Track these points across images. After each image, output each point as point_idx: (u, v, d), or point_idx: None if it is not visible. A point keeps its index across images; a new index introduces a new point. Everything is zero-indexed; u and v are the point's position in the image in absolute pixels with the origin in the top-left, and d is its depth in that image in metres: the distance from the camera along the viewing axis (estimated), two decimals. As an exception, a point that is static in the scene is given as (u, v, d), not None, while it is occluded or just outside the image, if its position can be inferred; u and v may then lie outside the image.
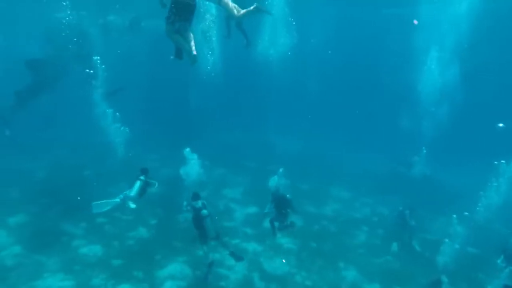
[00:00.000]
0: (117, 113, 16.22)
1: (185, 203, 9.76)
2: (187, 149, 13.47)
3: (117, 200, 10.72)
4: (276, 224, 10.60)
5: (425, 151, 17.69)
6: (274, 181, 11.04)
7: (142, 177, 10.81)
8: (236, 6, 9.32)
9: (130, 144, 16.77)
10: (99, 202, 10.69)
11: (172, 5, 6.38)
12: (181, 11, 6.39)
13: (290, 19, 18.75)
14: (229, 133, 23.89)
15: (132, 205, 10.56)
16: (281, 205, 10.27)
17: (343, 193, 17.53)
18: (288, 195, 10.27)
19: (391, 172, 18.76)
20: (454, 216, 11.84)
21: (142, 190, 10.75)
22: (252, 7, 9.10)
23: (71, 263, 10.53)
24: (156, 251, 11.45)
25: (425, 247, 13.05)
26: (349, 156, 21.71)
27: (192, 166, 14.70)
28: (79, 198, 13.35)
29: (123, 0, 20.60)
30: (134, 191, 10.61)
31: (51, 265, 10.38)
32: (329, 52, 27.66)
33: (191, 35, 6.76)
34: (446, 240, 11.59)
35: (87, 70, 17.09)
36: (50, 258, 10.61)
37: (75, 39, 18.17)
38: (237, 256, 10.44)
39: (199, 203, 9.51)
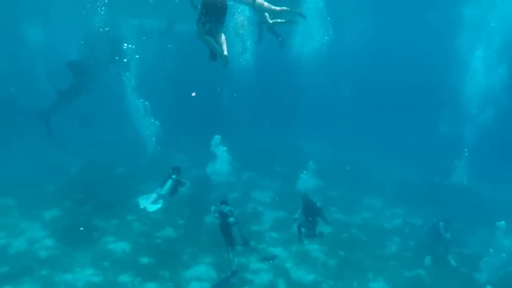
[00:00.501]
0: (154, 121, 16.68)
1: (213, 207, 9.66)
2: (217, 137, 13.45)
3: (155, 202, 10.69)
4: (303, 230, 10.34)
5: (464, 159, 16.76)
6: (303, 181, 10.77)
7: (174, 176, 10.76)
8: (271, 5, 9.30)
9: (161, 144, 17.14)
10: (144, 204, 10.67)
11: (203, 6, 6.29)
12: (211, 12, 6.30)
13: (325, 14, 18.03)
14: (259, 135, 23.79)
15: (150, 209, 10.58)
16: (310, 213, 9.99)
17: (374, 202, 16.98)
18: (318, 204, 9.93)
19: (426, 181, 18.02)
20: (499, 227, 11.11)
21: (174, 189, 10.71)
22: (285, 8, 9.04)
23: (100, 258, 10.74)
24: (182, 251, 11.49)
25: (461, 262, 12.34)
26: (381, 163, 21.08)
27: (221, 163, 14.83)
28: (111, 195, 13.71)
29: (158, 4, 21.01)
30: (165, 189, 10.58)
31: (81, 259, 10.63)
32: (356, 56, 26.87)
33: (223, 36, 6.67)
34: (488, 255, 10.90)
35: (121, 71, 17.62)
36: (81, 253, 10.87)
37: (111, 42, 18.75)
38: (269, 257, 10.27)
39: (227, 209, 9.40)
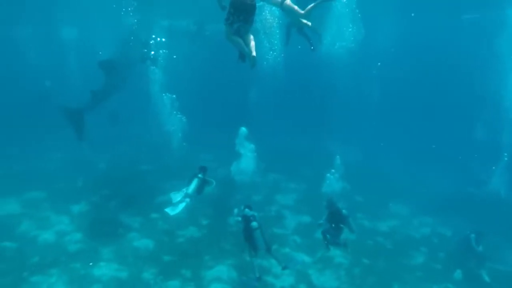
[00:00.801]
0: (181, 117, 16.85)
1: (236, 210, 9.66)
2: (243, 129, 13.37)
3: (181, 200, 10.82)
4: (328, 237, 10.08)
5: (502, 167, 15.88)
6: (329, 183, 10.50)
7: (200, 175, 10.93)
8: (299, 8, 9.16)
9: (187, 140, 17.31)
10: (171, 207, 10.83)
11: (231, 6, 6.25)
12: (239, 12, 6.23)
13: (356, 10, 17.40)
14: (286, 136, 23.57)
15: (172, 212, 10.68)
16: (336, 219, 9.72)
17: (401, 209, 16.44)
18: (344, 211, 9.58)
19: (458, 189, 17.27)
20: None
21: (200, 188, 10.89)
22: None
23: (125, 254, 10.93)
24: (205, 251, 11.52)
25: (495, 279, 11.64)
26: (410, 169, 20.45)
27: (247, 163, 14.80)
28: (137, 192, 13.94)
29: (188, 5, 21.24)
30: (191, 188, 10.75)
31: (106, 254, 10.86)
32: (378, 64, 25.94)
33: (251, 36, 6.59)
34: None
35: (152, 69, 17.93)
36: (106, 247, 11.11)
37: (143, 42, 19.09)
38: (290, 264, 10.12)
39: (250, 213, 9.35)
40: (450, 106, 25.06)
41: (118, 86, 18.09)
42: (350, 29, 18.54)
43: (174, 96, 17.78)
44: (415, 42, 27.10)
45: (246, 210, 9.42)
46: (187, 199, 10.76)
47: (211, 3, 6.85)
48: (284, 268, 9.85)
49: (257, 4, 6.44)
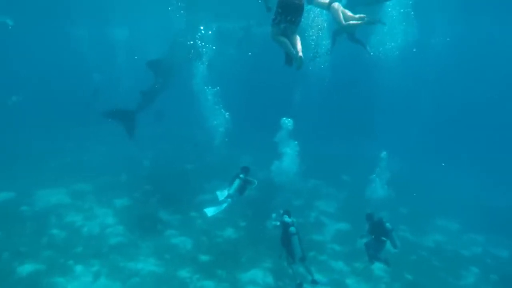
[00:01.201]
0: (225, 113, 16.99)
1: (274, 215, 9.46)
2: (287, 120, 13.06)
3: (223, 201, 10.83)
4: (370, 250, 9.60)
5: None
6: (373, 190, 10.04)
7: (241, 175, 10.91)
8: (347, 11, 8.83)
9: (229, 136, 17.33)
10: (210, 208, 10.94)
11: (278, 5, 6.14)
12: (287, 11, 6.10)
13: (409, 10, 16.58)
14: (329, 141, 23.10)
15: (210, 213, 10.70)
16: (378, 232, 9.23)
17: (450, 224, 15.47)
18: (388, 224, 9.06)
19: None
20: None
21: (242, 189, 10.87)
22: (362, 16, 8.52)
23: (163, 251, 11.08)
24: (241, 253, 11.43)
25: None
26: (461, 181, 19.25)
27: (288, 166, 14.61)
28: (178, 190, 14.15)
29: (237, 7, 21.37)
30: (233, 188, 10.75)
31: (145, 249, 11.07)
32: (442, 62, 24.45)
33: (298, 37, 6.43)
34: None
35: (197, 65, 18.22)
36: (145, 243, 11.33)
37: (191, 43, 19.44)
38: (320, 282, 9.77)
39: (289, 220, 9.10)
40: (508, 115, 23.31)
41: (166, 85, 18.50)
42: (402, 32, 17.72)
43: (217, 88, 17.85)
44: (472, 47, 25.41)
45: (285, 216, 9.20)
46: (229, 199, 10.78)
47: (258, 6, 6.77)
48: (313, 282, 9.51)
49: (304, 5, 6.29)
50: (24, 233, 10.72)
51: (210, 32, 19.01)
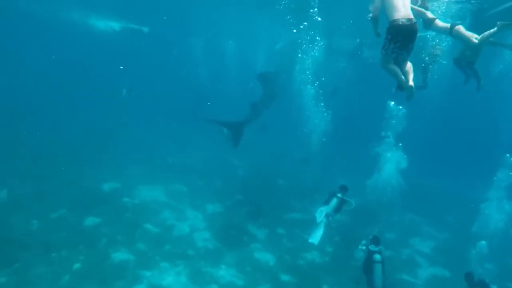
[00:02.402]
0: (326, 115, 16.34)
1: (363, 241, 8.95)
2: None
3: (321, 222, 10.49)
4: None
5: None
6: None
7: (339, 194, 10.74)
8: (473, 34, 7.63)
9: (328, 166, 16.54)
10: (313, 235, 10.59)
11: (388, 31, 5.56)
12: (398, 38, 5.50)
13: None
14: (434, 174, 20.87)
15: (316, 241, 10.31)
16: None
17: None
18: (494, 287, 7.85)
19: None
20: None
21: (338, 208, 10.67)
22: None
23: (245, 263, 10.84)
24: (323, 279, 10.70)
25: None
26: None
27: (387, 196, 13.63)
28: (268, 204, 13.92)
29: (350, 25, 20.66)
30: (330, 207, 10.56)
31: (228, 258, 10.95)
32: None
33: (410, 65, 5.88)
34: None
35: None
36: (229, 252, 11.21)
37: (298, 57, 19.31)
38: None
39: (377, 248, 8.55)
40: None
41: (275, 98, 18.58)
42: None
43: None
44: None
45: (372, 245, 8.65)
46: (324, 219, 10.46)
47: (369, 27, 6.24)
48: None
49: (418, 29, 5.51)
50: (122, 223, 11.44)
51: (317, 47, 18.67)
